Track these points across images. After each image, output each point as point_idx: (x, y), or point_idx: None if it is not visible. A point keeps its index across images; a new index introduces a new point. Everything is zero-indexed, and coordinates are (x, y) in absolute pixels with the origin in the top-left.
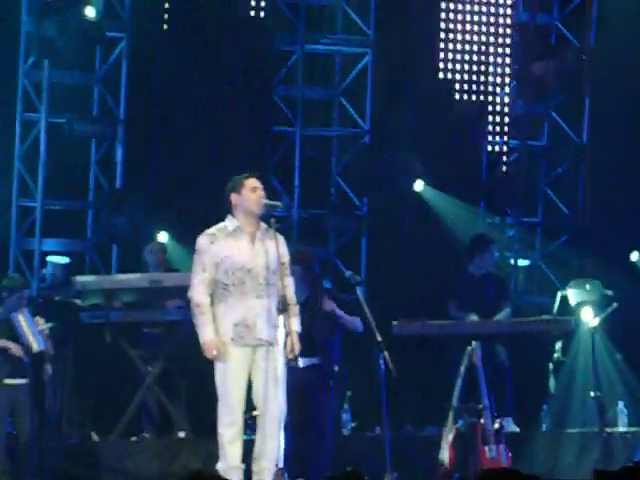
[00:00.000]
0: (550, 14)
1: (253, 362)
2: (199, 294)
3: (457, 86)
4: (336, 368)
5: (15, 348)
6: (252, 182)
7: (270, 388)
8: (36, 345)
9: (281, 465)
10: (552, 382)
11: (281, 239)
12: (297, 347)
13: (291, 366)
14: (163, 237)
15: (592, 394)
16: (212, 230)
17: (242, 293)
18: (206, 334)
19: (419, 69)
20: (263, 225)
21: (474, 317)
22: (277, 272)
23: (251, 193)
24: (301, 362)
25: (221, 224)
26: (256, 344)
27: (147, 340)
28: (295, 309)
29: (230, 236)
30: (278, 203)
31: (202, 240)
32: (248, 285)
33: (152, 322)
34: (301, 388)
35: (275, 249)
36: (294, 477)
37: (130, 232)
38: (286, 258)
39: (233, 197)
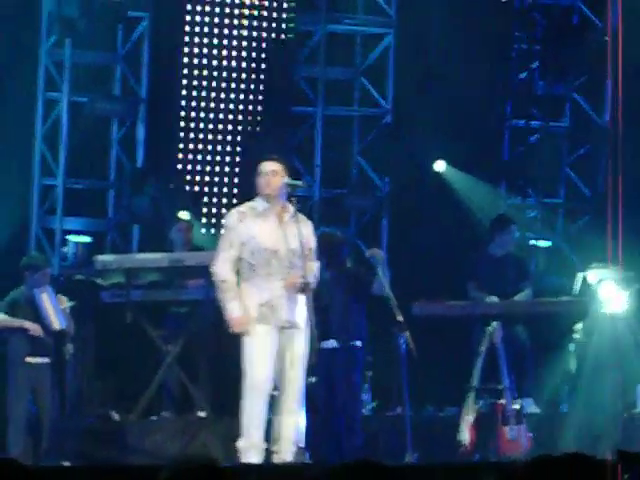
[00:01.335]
0: None
1: (278, 341)
2: (225, 270)
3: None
4: (358, 343)
5: (34, 328)
6: (263, 166)
7: (290, 369)
8: (58, 324)
9: (302, 445)
10: (573, 363)
11: (309, 224)
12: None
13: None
14: (184, 216)
15: (613, 375)
16: (242, 208)
17: (268, 274)
18: (233, 311)
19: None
20: (291, 208)
21: (494, 298)
22: (302, 255)
23: (261, 178)
24: (331, 343)
25: (251, 203)
26: (280, 325)
27: (168, 319)
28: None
29: (259, 216)
30: (299, 182)
31: (232, 217)
32: (274, 267)
33: (173, 301)
34: (331, 370)
35: (302, 233)
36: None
37: (151, 211)
38: (313, 244)
39: (259, 179)
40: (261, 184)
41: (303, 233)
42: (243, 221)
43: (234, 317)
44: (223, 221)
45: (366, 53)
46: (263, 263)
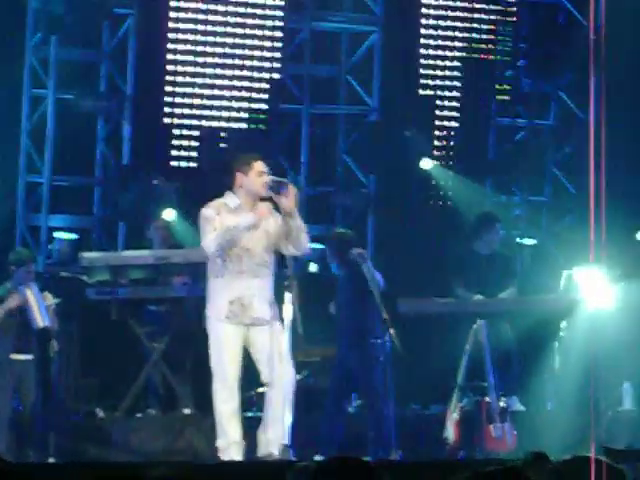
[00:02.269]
0: None
1: (248, 339)
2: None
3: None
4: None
5: (18, 302)
6: (259, 165)
7: (276, 364)
8: (42, 321)
9: (287, 442)
10: (557, 361)
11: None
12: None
13: None
14: (169, 214)
15: (597, 373)
16: (215, 204)
17: (239, 271)
18: (247, 218)
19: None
20: (262, 204)
21: (479, 296)
22: (275, 252)
23: (258, 177)
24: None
25: (221, 200)
26: (251, 323)
27: (153, 317)
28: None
29: (231, 213)
30: (285, 180)
31: (208, 210)
32: (245, 264)
33: (158, 298)
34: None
35: (275, 226)
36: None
37: (136, 209)
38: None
39: (238, 176)
40: (258, 182)
41: (278, 224)
42: (220, 215)
43: (251, 219)
44: (199, 218)
45: (352, 51)
46: (234, 259)
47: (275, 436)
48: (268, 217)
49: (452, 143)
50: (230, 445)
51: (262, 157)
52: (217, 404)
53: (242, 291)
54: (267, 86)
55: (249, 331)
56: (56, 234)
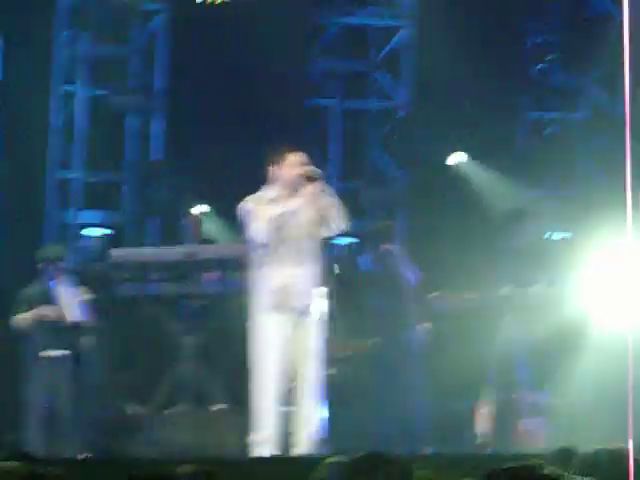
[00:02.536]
0: None
1: (289, 331)
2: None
3: None
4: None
5: (53, 313)
6: (294, 157)
7: (303, 360)
8: (74, 317)
9: (321, 436)
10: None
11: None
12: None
13: None
14: (201, 209)
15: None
16: (253, 197)
17: (280, 261)
18: (291, 205)
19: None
20: (307, 187)
21: (510, 290)
22: (317, 238)
23: (292, 169)
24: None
25: (259, 193)
26: (291, 312)
27: (183, 313)
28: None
29: (270, 204)
30: (317, 172)
31: (246, 204)
32: (286, 253)
33: (188, 294)
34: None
35: (313, 213)
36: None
37: (166, 205)
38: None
39: (274, 170)
40: (292, 174)
41: (317, 208)
42: (258, 206)
43: (295, 203)
44: (239, 212)
45: (382, 45)
46: (275, 249)
47: (306, 432)
48: (318, 198)
49: (482, 137)
50: (265, 439)
51: (296, 149)
52: (256, 397)
53: (283, 279)
54: (297, 81)
55: (289, 321)
56: (85, 230)
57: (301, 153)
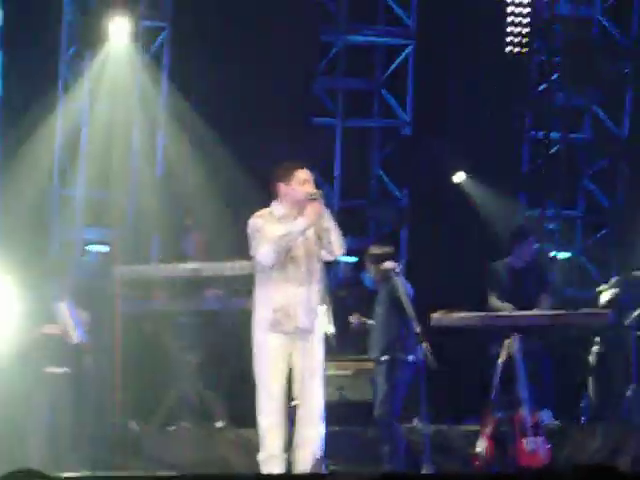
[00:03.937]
0: (592, 6)
1: (292, 350)
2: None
3: None
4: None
5: (55, 329)
6: (302, 174)
7: (307, 379)
8: (76, 335)
9: (321, 454)
10: (591, 375)
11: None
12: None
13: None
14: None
15: (629, 388)
16: (261, 213)
17: (285, 280)
18: (298, 225)
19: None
20: (310, 206)
21: (513, 309)
22: (320, 258)
23: (300, 185)
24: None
25: (268, 209)
26: (295, 332)
27: (186, 330)
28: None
29: (278, 222)
30: (319, 192)
31: (256, 220)
32: (291, 272)
33: (191, 311)
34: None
35: (317, 233)
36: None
37: (172, 221)
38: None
39: (281, 187)
40: (301, 191)
41: (322, 226)
42: (266, 223)
43: (302, 222)
44: (248, 230)
45: (386, 64)
46: (280, 268)
47: (308, 451)
48: (322, 216)
49: (485, 157)
50: (270, 458)
51: (305, 167)
52: (260, 416)
53: (287, 299)
54: (301, 99)
55: (293, 342)
56: (89, 247)
57: (307, 170)
